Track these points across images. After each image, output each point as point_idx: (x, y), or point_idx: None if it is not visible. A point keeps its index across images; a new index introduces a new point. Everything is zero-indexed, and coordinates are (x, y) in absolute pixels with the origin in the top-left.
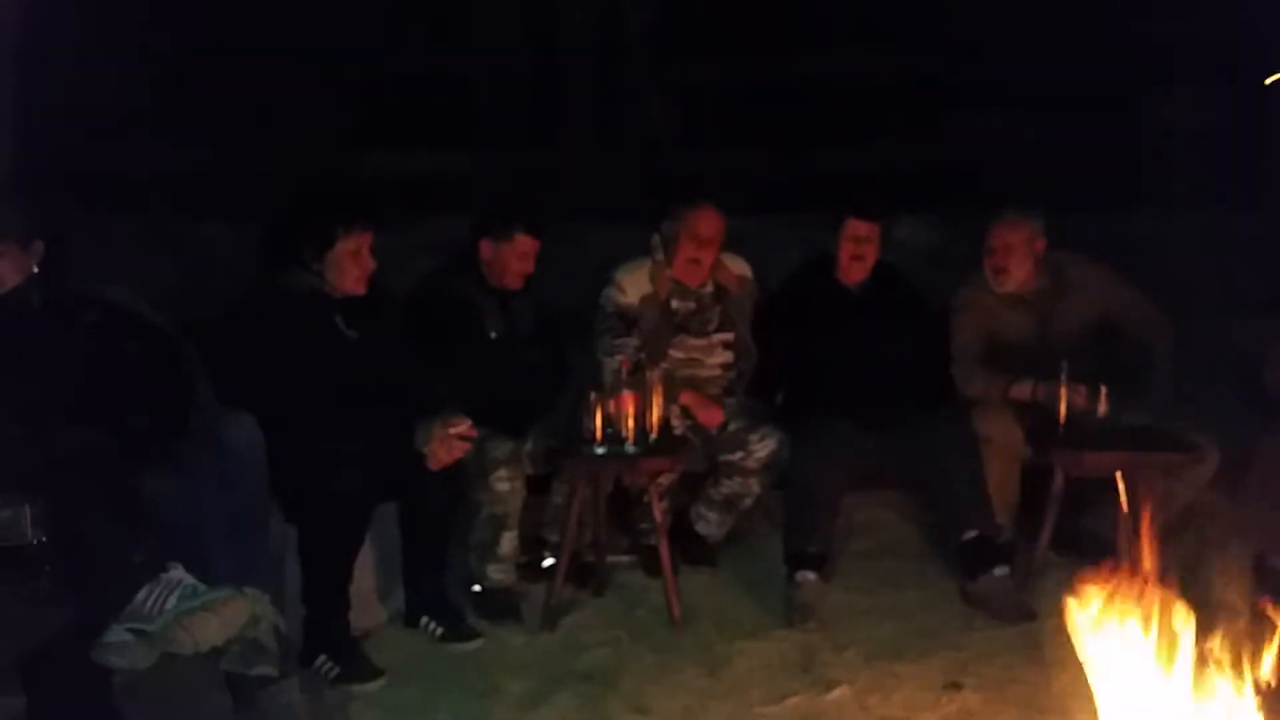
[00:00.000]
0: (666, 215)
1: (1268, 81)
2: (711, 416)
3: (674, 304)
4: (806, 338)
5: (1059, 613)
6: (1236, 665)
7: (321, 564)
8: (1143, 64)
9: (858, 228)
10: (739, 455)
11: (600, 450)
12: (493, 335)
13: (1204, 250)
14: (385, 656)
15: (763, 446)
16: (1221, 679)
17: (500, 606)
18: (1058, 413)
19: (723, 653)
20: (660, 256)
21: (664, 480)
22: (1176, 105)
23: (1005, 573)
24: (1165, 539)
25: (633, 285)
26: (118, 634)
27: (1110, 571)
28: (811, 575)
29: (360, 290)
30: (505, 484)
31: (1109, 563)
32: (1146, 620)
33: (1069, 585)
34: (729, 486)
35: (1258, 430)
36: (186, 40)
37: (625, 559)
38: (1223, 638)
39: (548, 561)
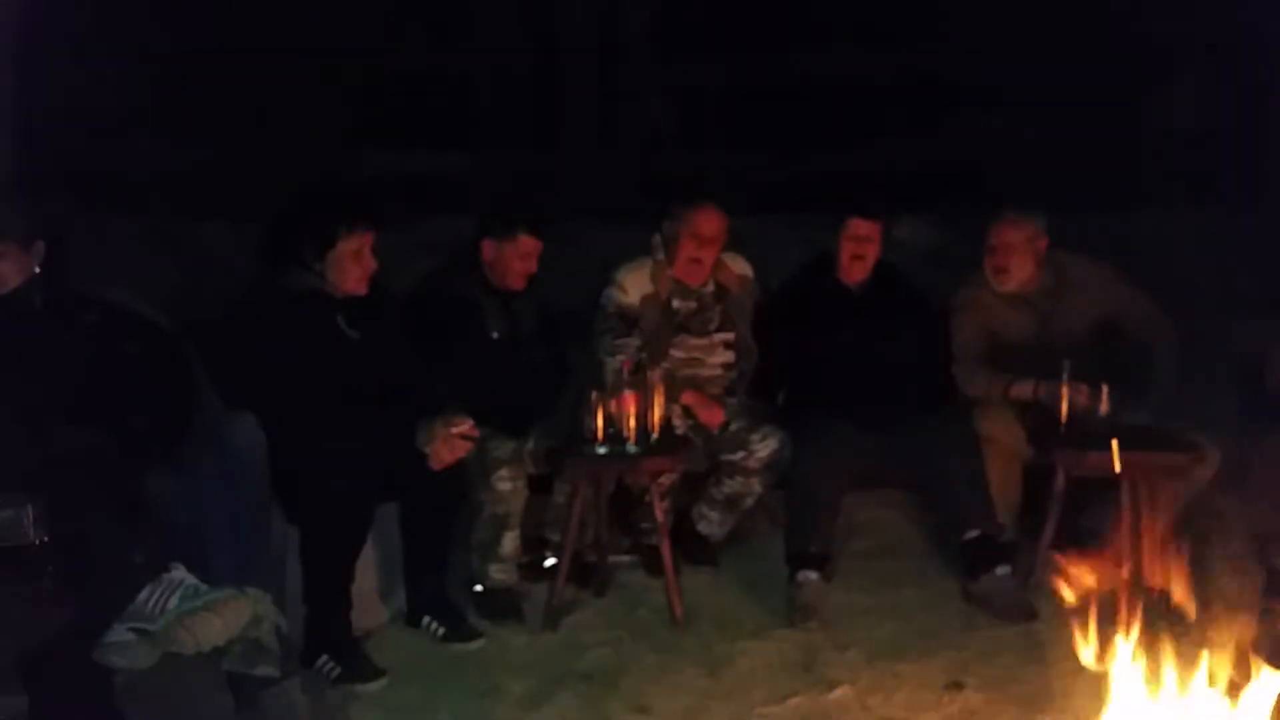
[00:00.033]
0: (667, 215)
1: None
2: (713, 416)
3: (675, 304)
4: (807, 337)
5: (1061, 612)
6: (1236, 665)
7: (323, 564)
8: (1143, 64)
9: (859, 227)
10: (740, 455)
11: (602, 450)
12: (495, 335)
13: (1204, 250)
14: (387, 656)
15: (764, 446)
16: (1220, 678)
17: (502, 606)
18: (1059, 412)
19: (724, 652)
20: (661, 256)
21: (665, 480)
22: (1176, 105)
23: (1007, 572)
24: (1166, 539)
25: (634, 285)
26: (119, 634)
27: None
28: (813, 575)
29: (362, 290)
30: (507, 484)
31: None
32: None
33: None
34: (730, 486)
35: (1258, 430)
36: (186, 40)
37: (627, 559)
38: (1223, 638)
39: (549, 561)
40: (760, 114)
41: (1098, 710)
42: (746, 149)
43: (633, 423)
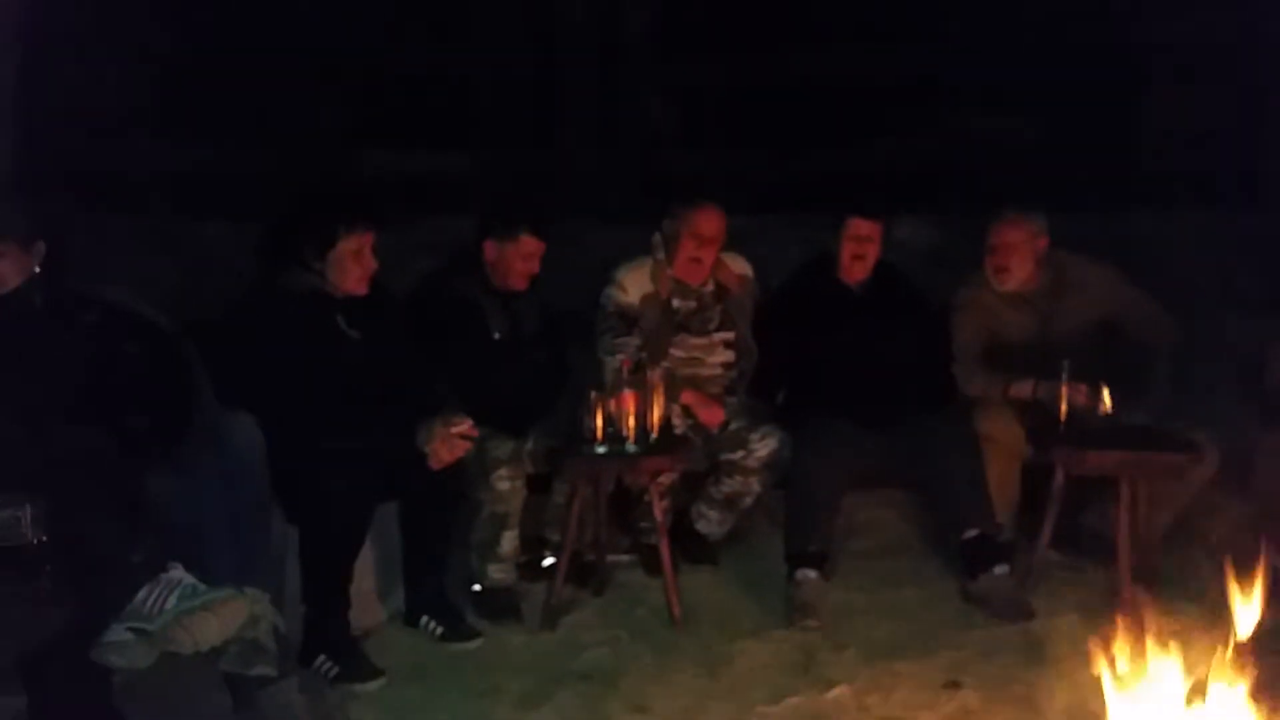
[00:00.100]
0: (667, 215)
1: None
2: (712, 415)
3: (675, 303)
4: (807, 337)
5: (1059, 611)
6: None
7: (322, 563)
8: (1143, 64)
9: (859, 227)
10: (740, 454)
11: (601, 449)
12: (496, 336)
13: (1204, 250)
14: (385, 656)
15: (763, 445)
16: (1220, 679)
17: (500, 606)
18: (1058, 412)
19: (723, 652)
20: (661, 256)
21: (665, 479)
22: (1176, 105)
23: (1005, 571)
24: (1166, 539)
25: (634, 284)
26: (118, 633)
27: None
28: (812, 574)
29: (362, 290)
30: (506, 483)
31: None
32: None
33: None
34: (730, 485)
35: (1258, 430)
36: (186, 40)
37: (626, 558)
38: (1223, 637)
39: (548, 561)
40: (760, 114)
41: (1098, 710)
42: (746, 149)
43: (632, 422)
